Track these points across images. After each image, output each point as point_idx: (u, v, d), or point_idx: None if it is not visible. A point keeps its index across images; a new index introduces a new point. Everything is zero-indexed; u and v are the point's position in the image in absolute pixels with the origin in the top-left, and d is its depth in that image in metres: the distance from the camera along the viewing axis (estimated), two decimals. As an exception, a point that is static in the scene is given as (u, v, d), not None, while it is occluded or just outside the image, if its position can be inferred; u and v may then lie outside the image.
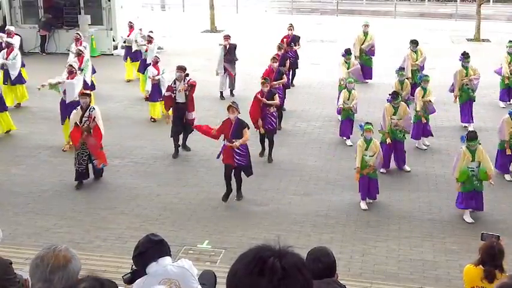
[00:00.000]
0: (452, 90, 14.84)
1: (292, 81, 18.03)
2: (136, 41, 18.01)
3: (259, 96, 12.63)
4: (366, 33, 18.61)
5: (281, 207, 10.76)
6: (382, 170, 11.92)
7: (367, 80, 18.35)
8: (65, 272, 3.01)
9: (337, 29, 27.84)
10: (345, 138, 13.80)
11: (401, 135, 12.32)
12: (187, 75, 12.96)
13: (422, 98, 13.25)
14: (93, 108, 11.53)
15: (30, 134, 14.37)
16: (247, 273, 2.04)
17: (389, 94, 12.54)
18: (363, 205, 10.74)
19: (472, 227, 10.04)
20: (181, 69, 12.90)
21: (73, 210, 10.61)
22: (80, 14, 22.75)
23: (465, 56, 14.59)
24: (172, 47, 23.24)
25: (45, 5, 23.15)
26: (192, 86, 12.82)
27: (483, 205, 10.40)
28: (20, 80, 16.09)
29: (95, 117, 11.39)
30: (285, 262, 2.03)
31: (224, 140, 10.80)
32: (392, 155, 12.40)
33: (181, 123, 12.92)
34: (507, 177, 11.98)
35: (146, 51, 17.24)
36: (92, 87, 15.53)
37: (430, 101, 13.28)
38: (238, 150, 10.63)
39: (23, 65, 16.73)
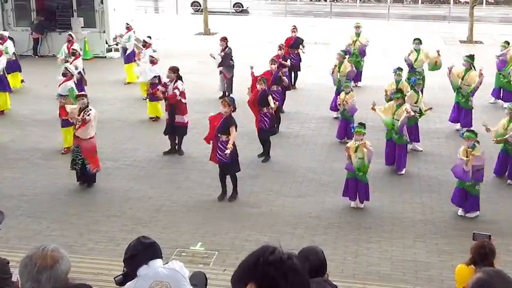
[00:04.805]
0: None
1: (294, 84, 18.03)
2: (121, 36, 18.01)
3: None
4: (358, 34, 18.63)
5: (274, 209, 10.75)
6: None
7: (358, 83, 18.36)
8: (52, 273, 3.00)
9: (330, 31, 27.90)
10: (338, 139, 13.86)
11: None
12: (179, 77, 12.93)
13: (415, 103, 13.15)
14: (90, 109, 11.33)
15: (22, 136, 14.32)
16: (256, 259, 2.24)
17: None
18: (353, 203, 10.76)
19: (464, 227, 10.05)
20: (171, 70, 12.92)
21: (65, 213, 10.57)
22: (72, 16, 22.73)
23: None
24: (166, 50, 23.20)
25: (37, 8, 23.12)
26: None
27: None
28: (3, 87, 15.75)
29: (86, 117, 11.26)
30: (290, 256, 2.24)
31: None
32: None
33: (172, 123, 12.93)
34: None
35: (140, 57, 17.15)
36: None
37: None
38: (221, 146, 10.58)
39: (13, 71, 16.61)
